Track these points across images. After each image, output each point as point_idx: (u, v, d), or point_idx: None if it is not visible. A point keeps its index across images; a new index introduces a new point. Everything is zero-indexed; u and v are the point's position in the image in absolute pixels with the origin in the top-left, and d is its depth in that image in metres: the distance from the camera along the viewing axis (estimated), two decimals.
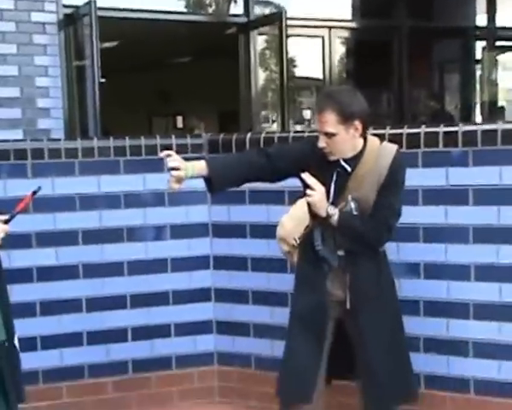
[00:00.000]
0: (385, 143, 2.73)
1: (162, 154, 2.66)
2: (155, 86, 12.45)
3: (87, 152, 3.56)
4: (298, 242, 2.79)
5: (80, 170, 3.56)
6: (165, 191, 3.62)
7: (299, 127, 7.79)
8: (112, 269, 3.60)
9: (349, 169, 2.62)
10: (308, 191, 2.57)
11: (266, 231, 3.41)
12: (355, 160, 2.63)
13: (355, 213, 2.61)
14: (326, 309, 2.67)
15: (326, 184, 2.60)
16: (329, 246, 2.66)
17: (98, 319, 3.58)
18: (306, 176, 2.57)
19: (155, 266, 3.65)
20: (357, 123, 2.57)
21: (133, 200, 3.63)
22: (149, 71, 11.51)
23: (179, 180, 2.60)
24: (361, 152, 2.63)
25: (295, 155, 2.71)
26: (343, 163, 2.62)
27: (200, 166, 2.63)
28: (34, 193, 2.45)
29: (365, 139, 2.65)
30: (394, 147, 2.69)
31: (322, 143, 2.60)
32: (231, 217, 3.67)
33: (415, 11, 7.80)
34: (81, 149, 3.55)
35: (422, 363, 3.21)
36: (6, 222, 2.31)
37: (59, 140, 3.86)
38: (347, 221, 2.61)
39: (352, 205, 2.62)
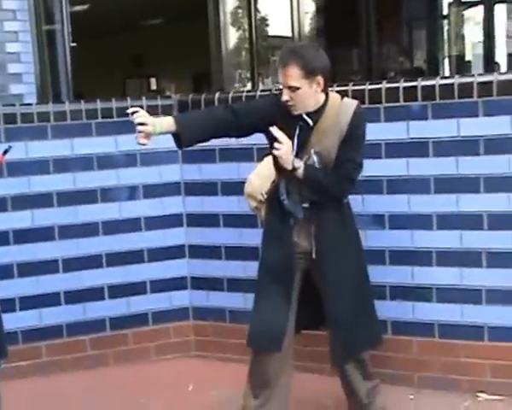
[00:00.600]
0: (346, 99, 2.81)
1: (129, 110, 2.73)
2: (128, 49, 12.37)
3: (59, 116, 3.63)
4: (265, 197, 2.90)
5: (53, 133, 3.62)
6: (137, 152, 3.70)
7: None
8: (87, 230, 3.69)
9: (311, 123, 2.71)
10: (276, 144, 2.67)
11: (237, 187, 3.48)
12: (317, 114, 2.71)
13: (318, 166, 2.71)
14: (293, 261, 2.79)
15: (290, 138, 2.69)
16: (294, 199, 2.77)
17: (75, 279, 3.69)
18: (274, 130, 2.66)
19: (129, 225, 3.75)
20: (320, 78, 2.65)
21: (106, 161, 3.71)
22: (122, 34, 11.42)
23: (147, 136, 2.68)
24: (323, 107, 2.72)
25: (261, 110, 2.80)
26: (305, 117, 2.71)
27: (168, 123, 2.70)
28: (5, 152, 2.52)
29: (327, 95, 2.74)
30: (354, 102, 2.77)
31: (285, 96, 2.67)
32: (203, 175, 3.77)
33: None
34: (53, 112, 3.61)
35: (389, 310, 3.35)
36: None
37: (31, 104, 3.90)
38: (312, 174, 2.72)
39: (315, 158, 2.71)
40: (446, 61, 9.04)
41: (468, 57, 9.04)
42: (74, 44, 5.48)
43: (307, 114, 2.71)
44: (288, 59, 2.66)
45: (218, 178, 3.73)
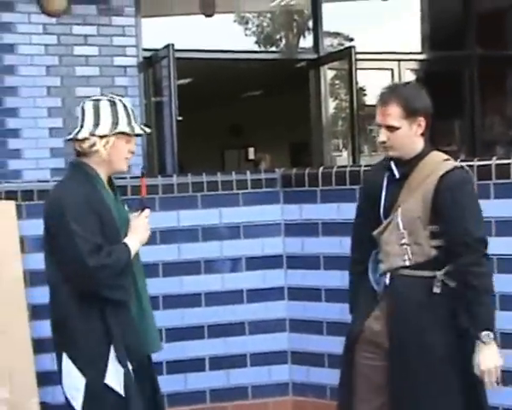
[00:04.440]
0: (449, 161, 2.53)
1: None
2: (227, 120, 12.74)
3: (167, 188, 3.74)
4: None
5: (160, 205, 3.73)
6: (240, 224, 3.76)
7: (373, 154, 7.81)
8: (191, 300, 3.74)
9: (397, 175, 2.56)
10: None
11: (340, 262, 3.48)
12: (409, 166, 2.53)
13: (402, 230, 2.50)
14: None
15: (378, 192, 2.58)
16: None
17: (177, 349, 3.72)
18: None
19: (232, 297, 3.78)
20: (421, 119, 2.51)
21: (210, 233, 3.78)
22: (221, 106, 11.79)
23: None
24: (418, 158, 2.53)
25: (363, 209, 2.75)
26: (393, 167, 2.56)
27: None
28: (143, 175, 2.79)
29: (425, 143, 2.57)
30: (449, 166, 2.49)
31: (383, 136, 2.53)
32: (305, 249, 3.77)
33: (485, 40, 7.75)
34: (161, 185, 3.73)
35: None
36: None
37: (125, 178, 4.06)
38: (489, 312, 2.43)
39: (399, 220, 2.51)
40: None
41: None
42: (181, 118, 5.69)
43: (399, 163, 2.56)
44: (388, 97, 2.54)
45: (320, 251, 3.71)
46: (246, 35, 9.66)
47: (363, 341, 2.62)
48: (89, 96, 2.57)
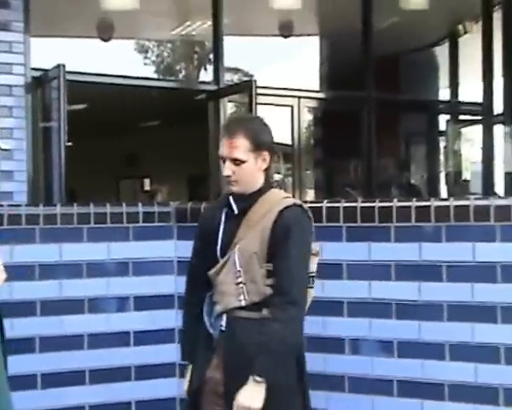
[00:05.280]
0: (288, 199, 2.49)
1: None
2: (123, 150, 12.47)
3: (49, 219, 3.42)
4: None
5: (41, 237, 3.41)
6: (129, 260, 3.50)
7: None
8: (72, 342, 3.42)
9: (236, 210, 2.47)
10: None
11: None
12: (249, 200, 2.45)
13: (238, 268, 2.40)
14: None
15: (213, 230, 2.48)
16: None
17: (55, 396, 3.38)
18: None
19: (118, 339, 3.49)
20: (266, 154, 2.45)
21: (96, 269, 3.48)
22: (118, 135, 11.54)
23: None
24: (259, 192, 2.46)
25: (197, 248, 2.63)
26: (232, 202, 2.48)
27: None
28: None
29: (266, 180, 2.50)
30: (289, 202, 2.44)
31: (227, 170, 2.43)
32: None
33: (381, 83, 7.93)
34: (43, 215, 3.41)
35: None
36: None
37: (19, 206, 3.72)
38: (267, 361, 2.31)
39: (236, 257, 2.41)
40: (443, 177, 9.05)
41: (464, 174, 9.06)
42: (70, 144, 5.37)
43: (238, 199, 2.46)
44: (235, 129, 2.44)
45: None
46: (145, 64, 9.48)
47: (207, 393, 2.47)
48: None
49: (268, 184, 2.51)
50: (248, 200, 2.45)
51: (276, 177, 8.38)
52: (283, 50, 8.93)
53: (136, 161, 12.97)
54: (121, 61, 8.07)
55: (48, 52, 6.48)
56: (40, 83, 5.69)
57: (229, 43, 7.21)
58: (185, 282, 2.69)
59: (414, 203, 3.09)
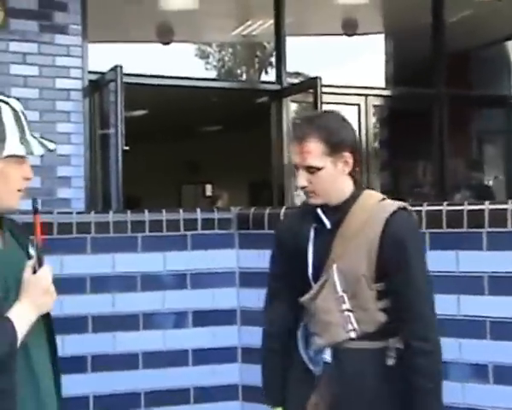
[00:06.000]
0: (386, 200, 2.09)
1: None
2: (185, 155, 12.49)
3: (101, 227, 3.18)
4: None
5: (92, 247, 3.17)
6: (187, 272, 3.22)
7: None
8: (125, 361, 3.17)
9: (328, 225, 2.07)
10: None
11: None
12: (339, 212, 2.06)
13: (341, 293, 2.01)
14: None
15: (303, 248, 2.07)
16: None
17: None
18: None
19: (175, 358, 3.22)
20: (348, 155, 2.04)
21: (151, 281, 3.23)
22: (180, 140, 11.51)
23: None
24: (349, 202, 2.06)
25: (278, 269, 2.21)
26: (321, 215, 2.06)
27: None
28: (36, 211, 1.86)
29: (356, 185, 2.10)
30: (394, 206, 2.04)
31: (302, 181, 2.04)
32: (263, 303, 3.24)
33: (452, 79, 7.55)
34: (94, 223, 3.17)
35: None
36: (40, 264, 1.79)
37: (70, 213, 3.50)
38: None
39: (336, 279, 2.02)
40: None
41: None
42: (127, 148, 5.18)
43: (325, 210, 2.06)
44: (306, 131, 2.04)
45: None
46: (206, 68, 9.31)
47: None
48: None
49: (359, 188, 2.11)
50: (340, 211, 2.06)
51: None
52: (347, 49, 8.63)
53: (197, 167, 12.98)
54: (181, 64, 7.89)
55: (106, 56, 6.32)
56: (97, 86, 5.53)
57: (291, 43, 6.95)
58: (264, 309, 2.29)
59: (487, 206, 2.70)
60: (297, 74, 8.12)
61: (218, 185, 12.51)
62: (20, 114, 1.79)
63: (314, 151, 2.02)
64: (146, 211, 3.26)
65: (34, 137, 1.80)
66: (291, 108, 6.78)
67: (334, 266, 2.02)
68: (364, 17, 8.33)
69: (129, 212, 3.26)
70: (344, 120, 2.11)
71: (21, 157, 1.78)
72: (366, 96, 7.26)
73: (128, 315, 3.18)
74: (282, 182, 6.67)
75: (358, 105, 7.17)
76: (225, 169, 11.59)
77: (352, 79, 7.65)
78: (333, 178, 2.04)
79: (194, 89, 6.90)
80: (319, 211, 2.08)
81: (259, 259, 3.24)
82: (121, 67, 5.21)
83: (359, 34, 8.39)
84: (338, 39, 8.46)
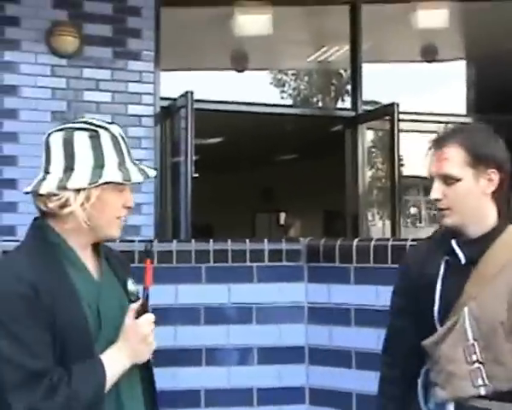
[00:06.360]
0: None
1: None
2: (259, 183, 12.49)
3: (164, 257, 3.07)
4: None
5: (155, 277, 3.05)
6: (252, 305, 3.06)
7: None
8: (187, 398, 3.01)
9: (463, 259, 1.79)
10: None
11: (378, 360, 2.75)
12: (478, 245, 1.79)
13: (472, 341, 1.75)
14: None
15: (432, 284, 1.80)
16: None
17: None
18: None
19: (239, 397, 3.04)
20: (493, 172, 1.78)
21: (215, 314, 3.08)
22: (254, 168, 11.48)
23: None
24: (491, 233, 1.79)
25: (403, 305, 1.95)
26: (455, 247, 1.79)
27: None
28: (148, 255, 1.84)
29: (499, 213, 1.81)
30: None
31: (436, 192, 1.81)
32: (333, 340, 3.04)
33: None
34: (156, 253, 3.05)
35: None
36: (144, 308, 1.75)
37: (132, 241, 3.41)
38: None
39: (467, 324, 1.75)
40: None
41: None
42: (196, 175, 5.09)
43: (462, 243, 1.80)
44: (447, 139, 1.82)
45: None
46: (282, 97, 9.24)
47: None
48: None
49: (505, 219, 1.84)
50: (479, 244, 1.80)
51: (412, 211, 7.77)
52: (426, 76, 8.39)
53: (271, 195, 12.89)
54: (255, 91, 7.82)
55: (179, 84, 6.30)
56: (169, 113, 5.49)
57: (367, 69, 6.76)
58: (383, 350, 2.06)
59: None
60: (374, 103, 7.95)
61: (291, 214, 12.39)
62: (120, 140, 1.72)
63: (454, 158, 1.79)
64: (211, 240, 3.13)
65: (134, 164, 1.74)
66: (367, 135, 6.57)
67: (466, 309, 1.77)
68: (444, 43, 8.07)
69: (193, 241, 3.14)
70: (494, 135, 1.86)
71: (120, 184, 1.71)
72: (446, 123, 6.96)
73: (190, 349, 3.05)
74: (357, 212, 6.43)
75: (437, 133, 6.89)
76: (299, 197, 11.51)
77: (431, 106, 7.41)
78: (473, 196, 1.79)
79: (268, 115, 6.79)
80: (453, 242, 1.82)
81: (330, 294, 3.07)
82: (192, 92, 5.15)
83: (439, 61, 8.14)
84: (416, 66, 8.24)
